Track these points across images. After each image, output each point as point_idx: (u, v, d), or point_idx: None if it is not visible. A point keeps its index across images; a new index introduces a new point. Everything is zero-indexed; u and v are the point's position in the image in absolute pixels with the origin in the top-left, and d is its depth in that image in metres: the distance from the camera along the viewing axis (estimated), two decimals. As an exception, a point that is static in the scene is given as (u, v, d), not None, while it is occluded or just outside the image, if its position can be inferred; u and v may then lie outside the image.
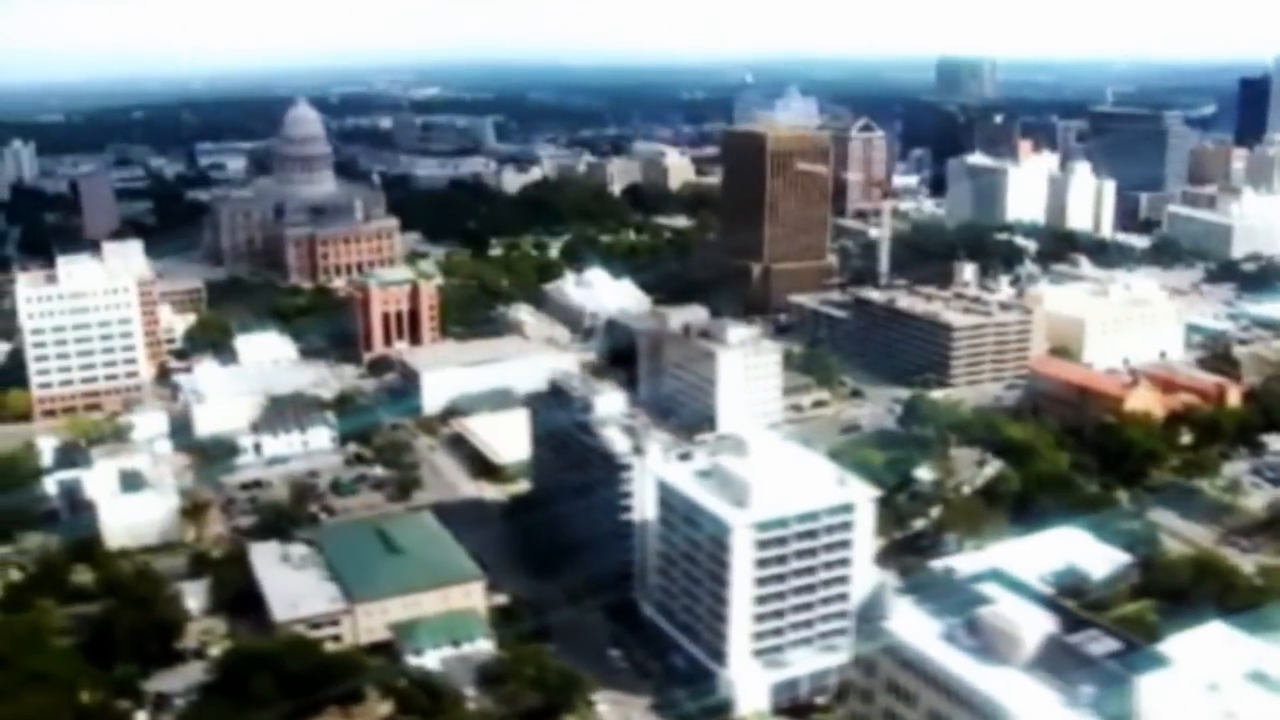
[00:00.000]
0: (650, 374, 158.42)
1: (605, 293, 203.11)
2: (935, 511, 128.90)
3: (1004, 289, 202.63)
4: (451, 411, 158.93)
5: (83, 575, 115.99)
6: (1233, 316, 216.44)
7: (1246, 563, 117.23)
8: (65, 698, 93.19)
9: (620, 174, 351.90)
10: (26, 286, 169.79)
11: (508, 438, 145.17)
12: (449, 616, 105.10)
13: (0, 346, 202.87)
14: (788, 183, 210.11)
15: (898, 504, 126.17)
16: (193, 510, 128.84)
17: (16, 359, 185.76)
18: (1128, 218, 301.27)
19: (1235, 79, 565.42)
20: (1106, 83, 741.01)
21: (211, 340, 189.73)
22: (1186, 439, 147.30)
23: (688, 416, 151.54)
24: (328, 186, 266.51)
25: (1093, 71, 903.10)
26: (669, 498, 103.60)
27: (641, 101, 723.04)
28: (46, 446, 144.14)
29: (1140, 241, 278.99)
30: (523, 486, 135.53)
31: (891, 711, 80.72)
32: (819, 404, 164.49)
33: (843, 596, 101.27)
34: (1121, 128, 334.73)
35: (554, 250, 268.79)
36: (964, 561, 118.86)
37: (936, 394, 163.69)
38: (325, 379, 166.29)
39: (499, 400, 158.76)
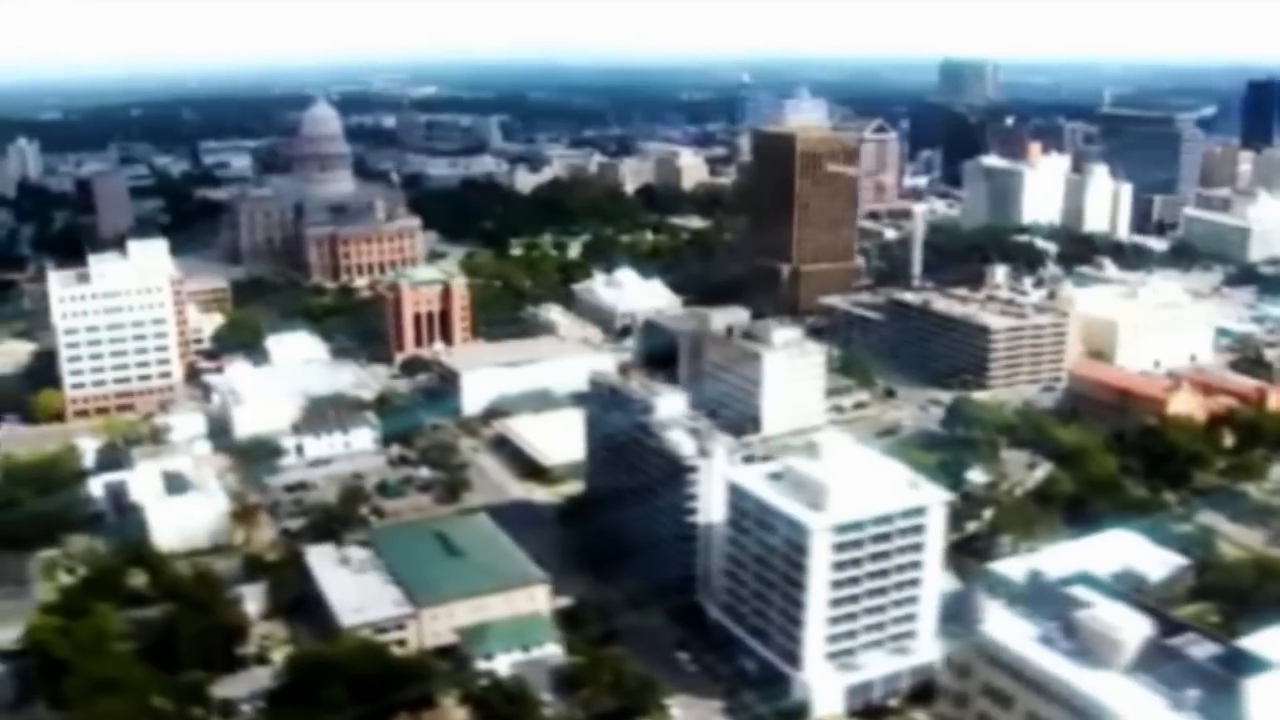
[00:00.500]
0: (691, 375, 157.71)
1: (636, 293, 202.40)
2: (988, 514, 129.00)
3: (1031, 291, 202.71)
4: (492, 412, 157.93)
5: (136, 578, 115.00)
6: (1257, 319, 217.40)
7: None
8: (137, 705, 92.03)
9: (632, 174, 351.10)
10: (59, 286, 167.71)
11: (553, 439, 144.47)
12: (516, 621, 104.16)
13: (23, 346, 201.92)
14: (816, 184, 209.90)
15: (951, 506, 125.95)
16: (242, 513, 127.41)
17: (43, 359, 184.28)
18: (1141, 220, 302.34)
19: (1232, 81, 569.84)
20: (1102, 84, 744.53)
21: (242, 340, 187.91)
22: (1229, 442, 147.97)
23: (731, 418, 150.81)
24: (346, 186, 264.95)
25: (1086, 73, 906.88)
26: (740, 500, 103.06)
27: (641, 101, 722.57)
28: (88, 448, 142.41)
29: (1157, 244, 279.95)
30: (572, 488, 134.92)
31: (987, 715, 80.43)
32: (859, 405, 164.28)
33: (913, 599, 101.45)
34: (1134, 130, 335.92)
35: (573, 250, 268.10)
36: (1020, 564, 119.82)
37: (975, 396, 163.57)
38: (365, 380, 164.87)
39: (540, 401, 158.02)
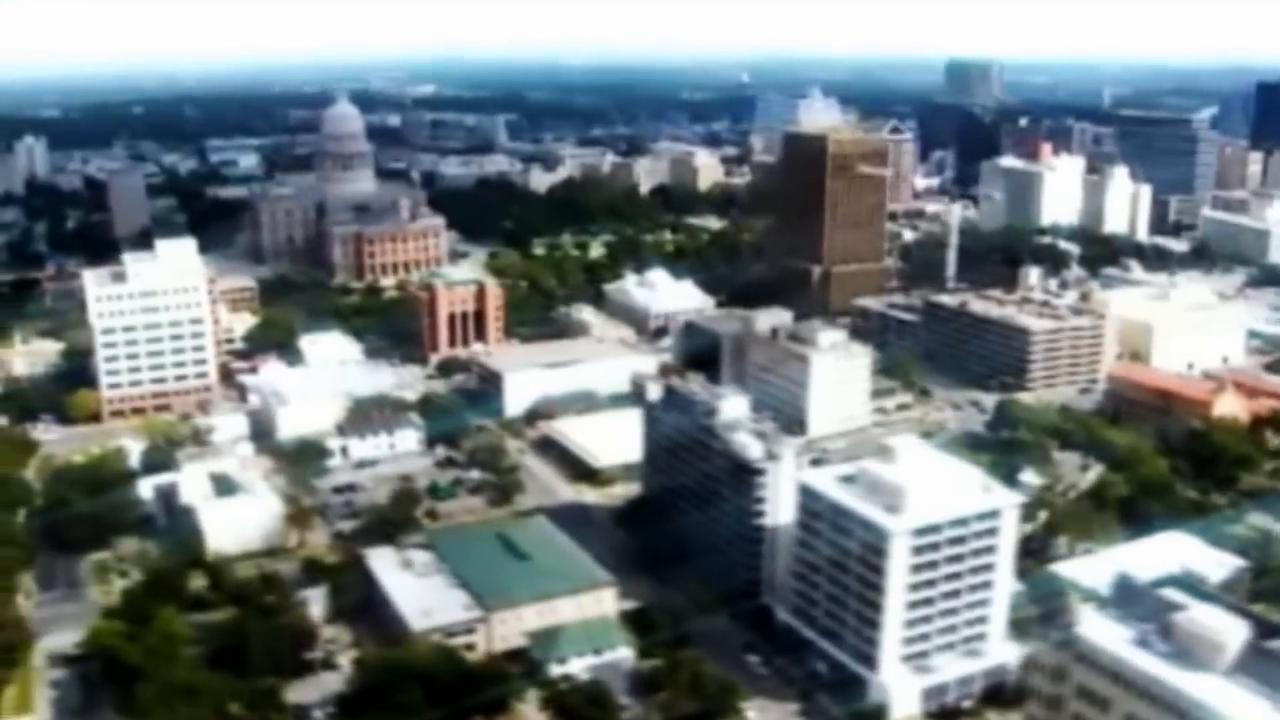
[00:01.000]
0: (735, 377, 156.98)
1: (668, 294, 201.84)
2: (1043, 515, 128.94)
3: (1064, 293, 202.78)
4: (534, 414, 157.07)
5: (195, 582, 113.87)
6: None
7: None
8: (212, 711, 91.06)
9: (646, 174, 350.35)
10: (95, 285, 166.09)
11: (601, 440, 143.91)
12: (587, 624, 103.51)
13: (50, 345, 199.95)
14: (847, 185, 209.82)
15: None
16: (295, 515, 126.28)
17: (74, 358, 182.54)
18: (1158, 221, 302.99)
19: (1232, 81, 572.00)
20: (1099, 84, 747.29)
21: (274, 340, 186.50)
22: (1275, 444, 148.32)
23: (776, 420, 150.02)
24: (367, 185, 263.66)
25: (1083, 72, 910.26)
26: (813, 503, 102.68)
27: (643, 101, 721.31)
28: (133, 449, 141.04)
29: (1177, 245, 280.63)
30: (623, 490, 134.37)
31: (1082, 717, 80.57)
32: (902, 407, 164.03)
33: (986, 601, 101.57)
34: (1149, 131, 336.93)
35: (594, 250, 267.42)
36: (1078, 566, 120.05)
37: (1018, 398, 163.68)
38: (407, 381, 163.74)
39: (583, 402, 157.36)
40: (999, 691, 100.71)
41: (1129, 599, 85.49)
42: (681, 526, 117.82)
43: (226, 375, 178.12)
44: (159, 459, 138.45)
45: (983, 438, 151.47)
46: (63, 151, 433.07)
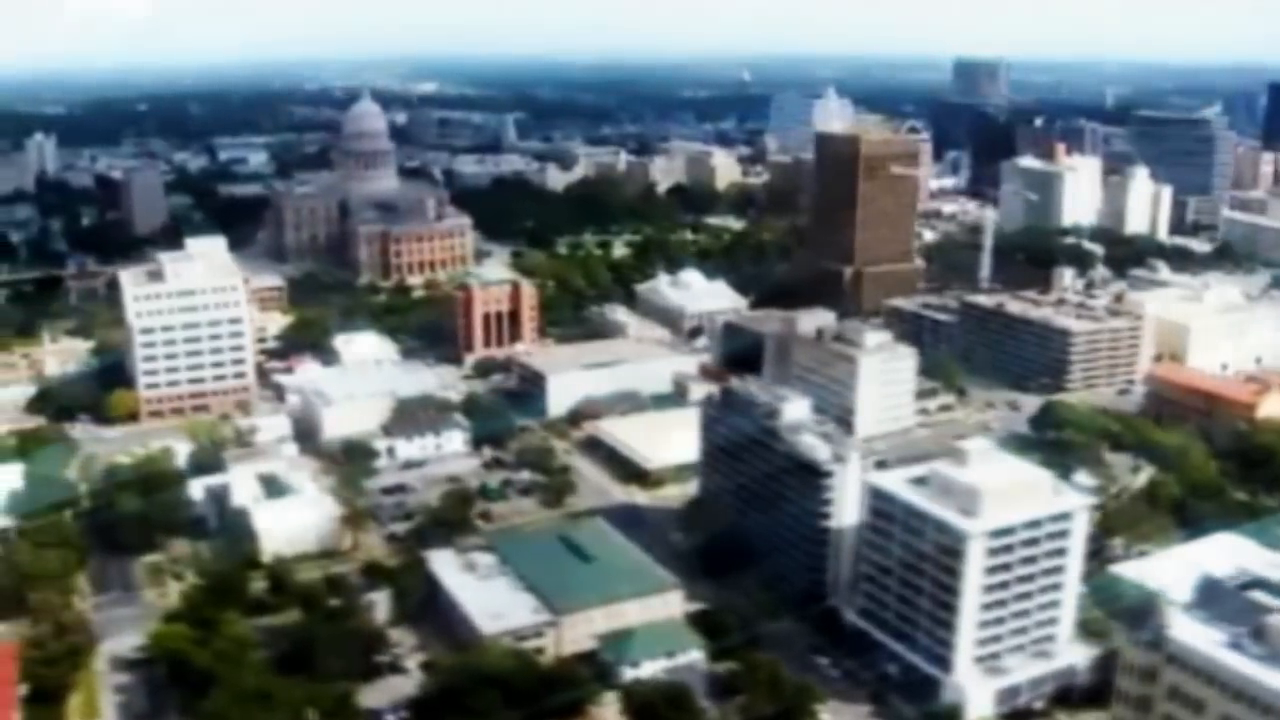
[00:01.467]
0: (778, 378, 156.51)
1: (702, 294, 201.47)
2: (1096, 517, 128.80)
3: (1098, 295, 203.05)
4: (578, 414, 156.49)
5: (255, 584, 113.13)
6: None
7: None
8: (289, 717, 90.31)
9: (662, 173, 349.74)
10: (133, 284, 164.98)
11: (650, 441, 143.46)
12: (657, 627, 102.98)
13: (79, 344, 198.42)
14: (879, 185, 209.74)
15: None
16: (349, 516, 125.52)
17: (107, 357, 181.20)
18: (1176, 222, 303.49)
19: (1235, 81, 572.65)
20: (1099, 83, 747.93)
21: (309, 340, 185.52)
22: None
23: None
24: (390, 183, 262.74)
25: (1084, 71, 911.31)
26: (885, 505, 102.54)
27: (647, 99, 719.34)
28: (181, 449, 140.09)
29: (1199, 246, 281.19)
30: (675, 492, 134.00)
31: (1173, 718, 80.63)
32: (944, 408, 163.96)
33: (1056, 603, 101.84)
34: (1166, 131, 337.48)
35: (616, 250, 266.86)
36: (1137, 568, 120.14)
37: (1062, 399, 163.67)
38: (449, 381, 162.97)
39: (626, 403, 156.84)
40: (1068, 693, 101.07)
41: (1212, 600, 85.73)
42: (742, 528, 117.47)
43: (261, 375, 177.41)
44: (206, 460, 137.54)
45: (1029, 439, 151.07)
46: (71, 149, 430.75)
